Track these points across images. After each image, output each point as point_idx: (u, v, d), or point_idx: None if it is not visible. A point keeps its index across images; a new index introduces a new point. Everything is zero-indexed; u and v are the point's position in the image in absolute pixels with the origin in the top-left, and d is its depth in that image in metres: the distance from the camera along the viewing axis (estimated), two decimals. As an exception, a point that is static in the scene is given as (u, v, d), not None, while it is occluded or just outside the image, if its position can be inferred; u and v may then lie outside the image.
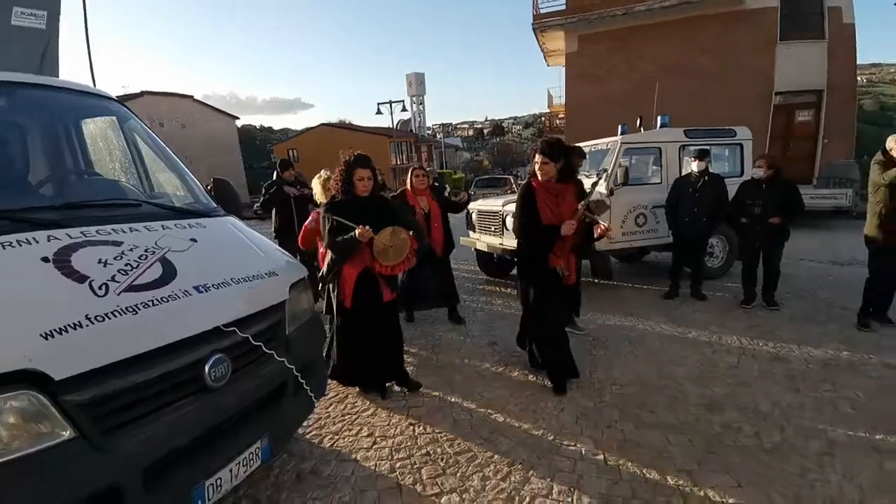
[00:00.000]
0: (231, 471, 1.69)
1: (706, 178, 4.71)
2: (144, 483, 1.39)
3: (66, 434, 1.26)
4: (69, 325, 1.32)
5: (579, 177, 5.48)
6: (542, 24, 13.30)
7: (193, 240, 1.91)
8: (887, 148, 3.79)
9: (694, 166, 4.73)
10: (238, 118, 38.36)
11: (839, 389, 2.97)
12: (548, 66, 17.76)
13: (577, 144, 6.07)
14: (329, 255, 3.03)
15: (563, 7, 13.19)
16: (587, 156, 5.77)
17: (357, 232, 2.70)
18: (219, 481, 1.64)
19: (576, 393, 3.05)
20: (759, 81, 11.99)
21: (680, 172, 5.47)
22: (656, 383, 3.15)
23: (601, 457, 2.37)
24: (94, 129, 2.70)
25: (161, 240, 1.79)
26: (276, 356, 1.89)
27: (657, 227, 5.56)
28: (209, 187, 2.90)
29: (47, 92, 2.27)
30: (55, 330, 1.29)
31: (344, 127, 42.61)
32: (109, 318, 1.40)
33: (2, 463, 1.14)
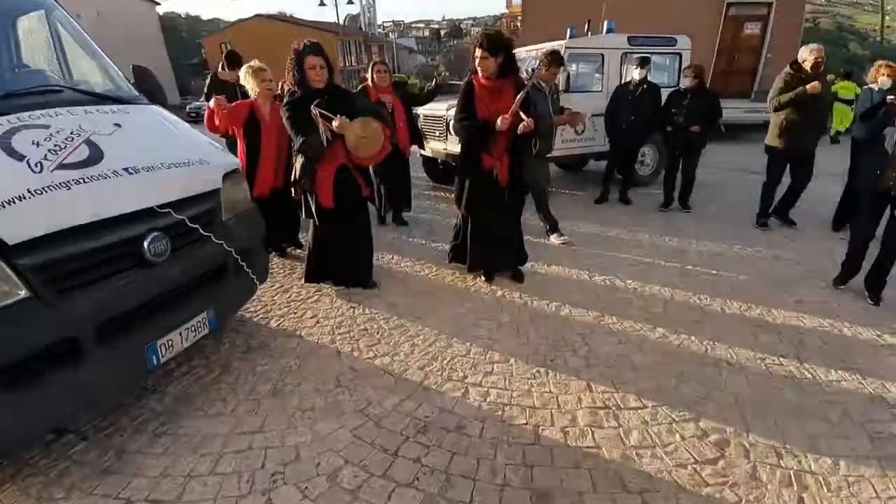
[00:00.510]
0: (181, 335, 1.92)
1: (645, 86, 4.89)
2: (99, 338, 1.59)
3: (22, 293, 1.41)
4: (15, 198, 1.42)
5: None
6: None
7: (117, 125, 1.95)
8: (799, 59, 4.06)
9: (635, 74, 4.86)
10: (158, 3, 33.65)
11: (722, 274, 3.51)
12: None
13: (522, 48, 6.03)
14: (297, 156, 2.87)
15: None
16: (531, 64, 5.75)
17: (335, 124, 2.60)
18: (170, 342, 1.87)
19: (502, 279, 3.42)
20: (709, -12, 11.82)
21: (621, 80, 5.61)
22: (571, 274, 3.58)
23: (514, 327, 2.78)
24: (27, 24, 2.50)
25: (84, 123, 1.81)
26: (213, 238, 2.05)
27: (595, 136, 5.80)
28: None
29: None
30: (4, 202, 1.39)
31: (284, 20, 38.49)
32: (46, 192, 1.50)
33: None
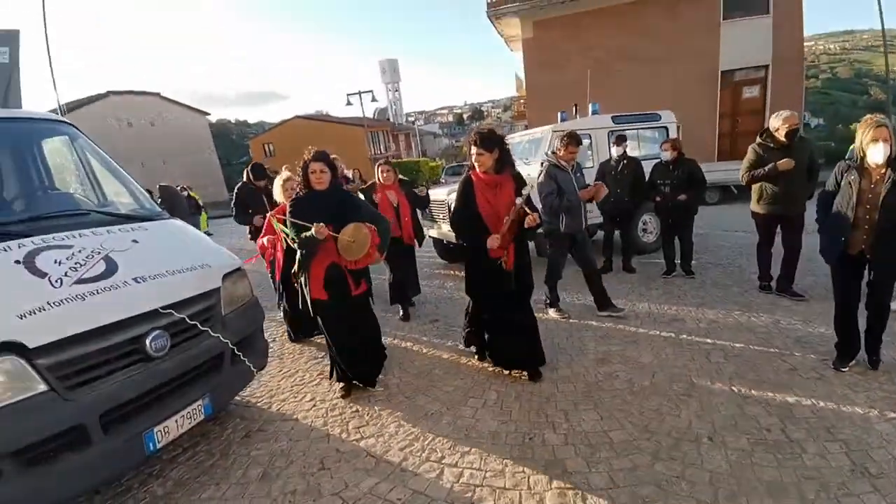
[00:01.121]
0: (177, 422, 2.13)
1: (625, 160, 5.20)
2: (104, 426, 1.83)
3: (41, 388, 1.69)
4: (35, 310, 1.74)
5: (519, 164, 5.93)
6: (495, 11, 13.63)
7: (135, 241, 2.33)
8: (771, 128, 4.04)
9: (613, 151, 5.23)
10: (209, 114, 37.89)
11: (717, 343, 3.49)
12: (511, 51, 18.07)
13: (509, 135, 6.55)
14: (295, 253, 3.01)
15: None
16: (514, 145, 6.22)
17: (313, 230, 2.74)
18: (166, 429, 2.08)
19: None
20: (704, 61, 12.49)
21: (610, 156, 5.96)
22: (564, 343, 3.65)
23: (500, 404, 2.86)
24: (52, 147, 3.06)
25: (105, 242, 2.20)
26: (211, 332, 2.32)
27: (590, 207, 6.03)
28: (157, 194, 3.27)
29: (10, 123, 2.65)
30: (26, 313, 1.71)
31: (319, 119, 42.34)
32: (64, 304, 1.82)
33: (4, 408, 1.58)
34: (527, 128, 10.83)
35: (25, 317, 1.72)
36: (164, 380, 2.09)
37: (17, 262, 1.92)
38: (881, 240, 2.65)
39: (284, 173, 3.82)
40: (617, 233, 5.76)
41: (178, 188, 11.63)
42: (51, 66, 8.81)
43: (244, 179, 5.03)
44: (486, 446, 2.44)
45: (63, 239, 2.12)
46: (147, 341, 2.02)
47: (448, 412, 2.81)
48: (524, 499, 2.04)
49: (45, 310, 1.77)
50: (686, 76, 12.49)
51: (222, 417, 2.93)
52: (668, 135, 6.57)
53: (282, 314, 4.35)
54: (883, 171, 2.63)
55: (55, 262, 1.97)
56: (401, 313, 4.69)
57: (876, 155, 2.60)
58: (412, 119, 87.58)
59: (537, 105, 13.61)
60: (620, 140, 5.21)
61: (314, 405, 3.05)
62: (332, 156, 3.17)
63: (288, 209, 3.00)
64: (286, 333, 4.34)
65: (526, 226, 2.88)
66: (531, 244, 6.04)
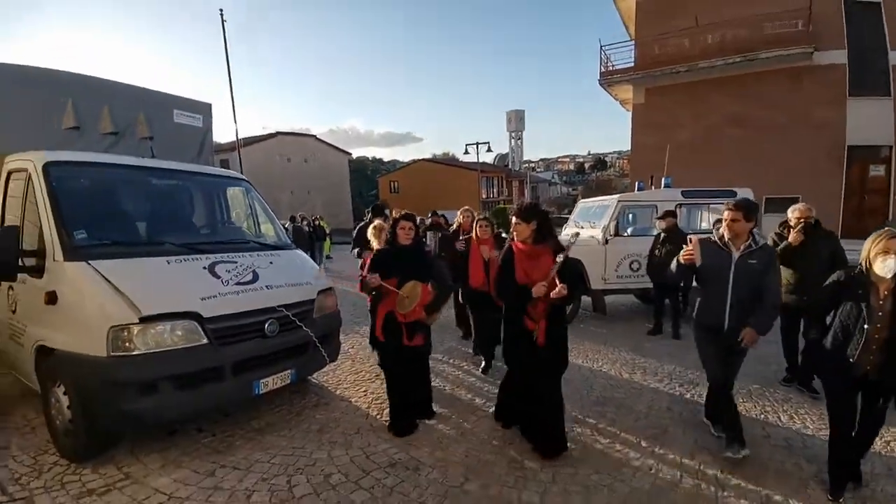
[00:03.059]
0: (273, 379, 3.34)
1: (669, 233, 5.63)
2: (232, 370, 3.10)
3: (204, 341, 3.00)
4: (211, 296, 3.10)
5: (586, 227, 6.62)
6: (609, 80, 14.38)
7: (271, 262, 3.70)
8: (789, 219, 4.09)
9: (657, 224, 5.69)
10: (350, 154, 43.57)
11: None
12: (626, 110, 18.46)
13: (582, 201, 7.27)
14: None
15: (632, 64, 14.14)
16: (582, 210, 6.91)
17: (368, 278, 3.25)
18: (267, 382, 3.30)
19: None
20: (828, 135, 11.73)
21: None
22: (576, 388, 4.27)
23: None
24: (232, 194, 4.72)
25: (255, 260, 3.58)
26: (304, 327, 3.55)
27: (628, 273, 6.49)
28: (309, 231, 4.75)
29: (208, 177, 4.32)
30: (206, 297, 3.07)
31: (440, 162, 45.93)
32: (227, 295, 3.16)
33: (183, 349, 2.91)
34: (630, 186, 11.20)
35: (205, 299, 3.07)
36: (271, 351, 3.33)
37: (204, 267, 3.34)
38: (890, 360, 2.40)
39: (378, 223, 4.33)
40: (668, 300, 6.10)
41: (313, 217, 14.13)
42: (233, 108, 11.74)
43: (365, 220, 5.64)
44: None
45: (231, 257, 3.54)
46: (266, 325, 3.29)
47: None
48: None
49: (216, 297, 3.11)
50: (807, 148, 11.87)
51: (302, 389, 4.15)
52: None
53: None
54: (892, 285, 2.41)
55: (226, 270, 3.36)
56: (482, 364, 4.74)
57: (885, 270, 2.36)
58: (532, 166, 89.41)
59: (639, 166, 13.87)
60: (665, 215, 5.67)
61: (365, 394, 4.13)
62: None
63: (371, 257, 3.56)
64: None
65: (552, 296, 2.81)
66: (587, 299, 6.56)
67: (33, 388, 3.33)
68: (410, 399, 3.49)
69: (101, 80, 4.34)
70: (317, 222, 13.53)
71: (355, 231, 5.67)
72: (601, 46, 14.65)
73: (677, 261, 3.05)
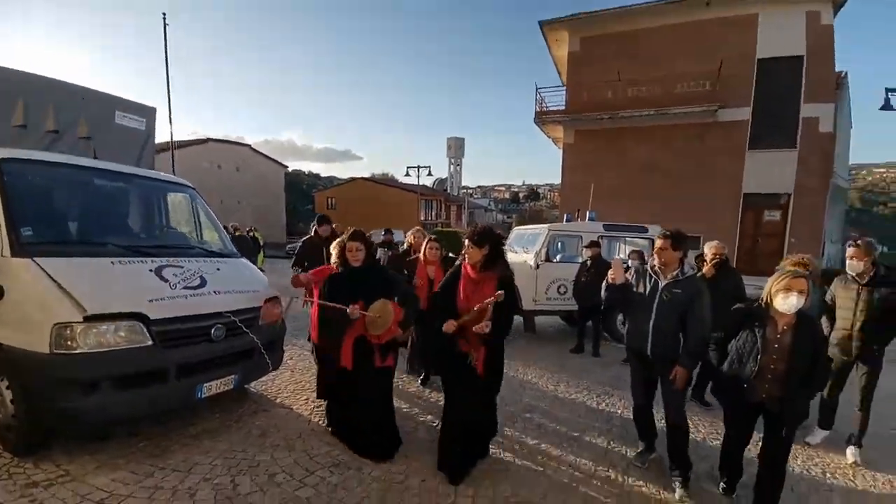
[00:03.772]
0: (216, 384, 3.36)
1: (593, 261, 6.29)
2: (176, 373, 3.10)
3: (149, 343, 3.00)
4: (158, 299, 3.11)
5: (517, 251, 7.15)
6: (543, 119, 15.60)
7: (218, 269, 3.74)
8: (705, 254, 4.86)
9: (584, 253, 6.36)
10: (287, 167, 42.43)
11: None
12: (557, 147, 19.89)
13: (517, 228, 7.84)
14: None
15: (563, 107, 15.45)
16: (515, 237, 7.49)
17: (347, 311, 3.08)
18: (209, 387, 3.32)
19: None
20: (727, 183, 13.53)
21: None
22: (508, 398, 4.61)
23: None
24: (174, 199, 4.67)
25: (201, 266, 3.61)
26: (250, 333, 3.61)
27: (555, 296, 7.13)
28: (233, 236, 4.77)
29: (152, 182, 4.29)
30: (153, 300, 3.08)
31: (380, 182, 46.03)
32: (174, 298, 3.18)
33: (127, 349, 2.90)
34: (559, 217, 12.05)
35: (152, 301, 3.08)
36: (216, 355, 3.36)
37: (151, 270, 3.33)
38: (790, 391, 2.53)
39: (343, 237, 3.80)
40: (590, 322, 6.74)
41: (247, 229, 13.71)
42: (169, 108, 11.27)
43: (311, 234, 5.50)
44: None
45: (178, 261, 3.55)
46: (212, 330, 3.33)
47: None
48: None
49: (163, 300, 3.13)
50: (710, 194, 13.54)
51: (240, 398, 4.14)
52: (653, 246, 7.59)
53: (311, 352, 4.62)
54: (792, 320, 2.54)
55: (173, 274, 3.37)
56: (421, 376, 4.83)
57: (787, 306, 2.50)
58: (469, 192, 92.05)
59: (568, 199, 15.00)
60: (591, 245, 6.36)
61: (306, 402, 4.20)
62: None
63: (325, 286, 3.32)
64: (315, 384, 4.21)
65: (475, 329, 2.83)
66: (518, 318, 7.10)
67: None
68: (378, 427, 3.30)
69: (48, 80, 4.22)
70: (251, 233, 13.15)
71: (299, 245, 5.49)
72: (537, 88, 15.91)
73: (606, 281, 3.18)
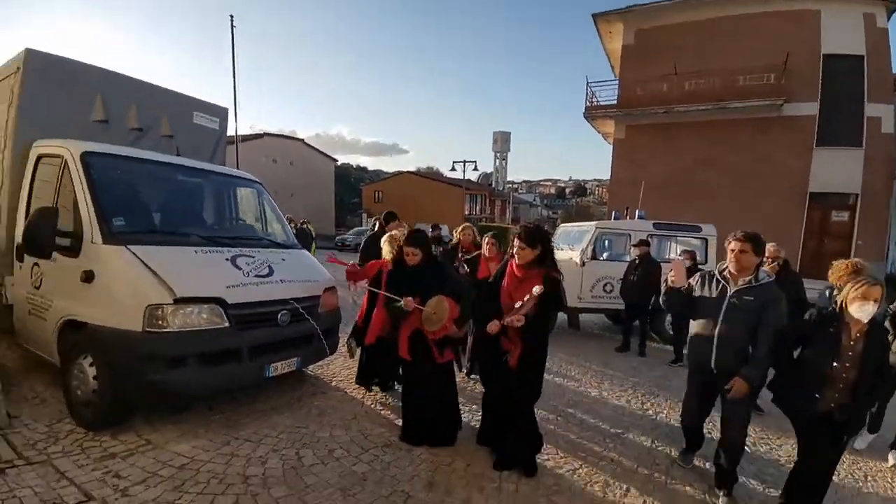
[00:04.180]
0: (281, 364, 3.67)
1: (642, 260, 6.22)
2: (248, 353, 3.43)
3: (227, 324, 3.33)
4: (234, 285, 3.44)
5: (557, 249, 7.21)
6: (593, 114, 15.28)
7: (283, 259, 4.05)
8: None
9: (632, 251, 6.29)
10: (336, 160, 43.80)
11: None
12: (608, 143, 19.41)
13: (564, 225, 7.84)
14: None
15: (615, 102, 15.06)
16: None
17: (403, 303, 3.19)
18: (276, 367, 3.63)
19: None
20: (792, 181, 12.77)
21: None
22: (551, 392, 4.71)
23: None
24: (242, 194, 5.05)
25: (269, 256, 3.94)
26: (310, 320, 3.90)
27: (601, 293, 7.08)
28: (295, 231, 5.10)
29: (225, 177, 4.69)
30: (230, 286, 3.41)
31: (426, 176, 46.55)
32: (248, 285, 3.51)
33: (208, 329, 3.23)
34: (607, 215, 11.88)
35: (229, 287, 3.41)
36: (281, 338, 3.68)
37: (227, 259, 3.68)
38: (858, 399, 2.47)
39: (396, 232, 4.09)
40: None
41: (301, 221, 14.37)
42: (235, 108, 12.06)
43: (374, 229, 5.40)
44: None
45: (249, 252, 3.89)
46: (279, 315, 3.63)
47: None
48: None
49: (238, 286, 3.45)
50: (772, 191, 12.87)
51: (301, 379, 4.48)
52: (706, 246, 7.40)
53: (348, 340, 4.63)
54: (865, 327, 2.47)
55: (246, 263, 3.71)
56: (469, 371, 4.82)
57: (863, 314, 2.43)
58: (515, 186, 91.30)
59: (617, 196, 14.66)
60: (640, 244, 6.27)
61: (358, 388, 4.47)
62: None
63: (385, 280, 3.56)
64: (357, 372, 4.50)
65: (506, 322, 2.81)
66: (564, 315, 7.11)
67: (50, 360, 3.58)
68: (442, 417, 3.38)
69: (130, 79, 4.67)
70: (304, 225, 13.78)
71: (364, 242, 5.27)
72: (588, 83, 15.59)
73: (665, 284, 2.97)
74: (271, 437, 3.31)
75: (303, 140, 39.91)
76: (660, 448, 3.64)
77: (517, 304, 2.84)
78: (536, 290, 2.76)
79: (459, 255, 5.18)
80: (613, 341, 7.00)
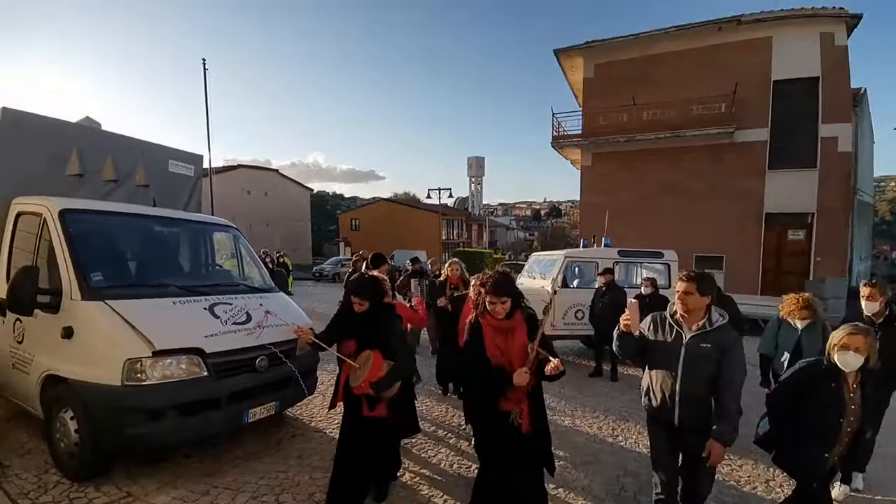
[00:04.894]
0: (260, 409, 3.75)
1: (607, 287, 6.54)
2: (228, 401, 3.51)
3: (206, 374, 3.41)
4: (212, 334, 3.54)
5: (529, 278, 7.46)
6: (559, 143, 15.97)
7: (261, 304, 4.17)
8: None
9: (598, 279, 6.61)
10: (312, 190, 43.84)
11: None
12: (576, 169, 20.15)
13: (535, 254, 8.14)
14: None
15: (580, 131, 15.79)
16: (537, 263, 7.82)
17: (300, 338, 3.39)
18: (255, 412, 3.70)
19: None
20: (748, 203, 13.57)
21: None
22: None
23: None
24: (218, 238, 5.16)
25: (247, 302, 4.05)
26: (288, 364, 4.00)
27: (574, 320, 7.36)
28: (272, 265, 5.22)
29: (201, 225, 4.80)
30: (208, 335, 3.51)
31: (402, 202, 46.96)
32: (227, 334, 3.61)
33: (187, 380, 3.31)
34: (580, 239, 12.23)
35: (207, 337, 3.51)
36: (259, 383, 3.76)
37: (205, 308, 3.78)
38: (854, 449, 2.45)
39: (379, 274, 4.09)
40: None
41: (277, 253, 14.39)
42: (208, 139, 12.20)
43: (355, 268, 5.85)
44: None
45: (227, 299, 4.00)
46: (257, 360, 3.73)
47: None
48: None
49: (216, 335, 3.56)
50: (729, 214, 13.61)
51: (279, 423, 4.53)
52: (669, 271, 7.79)
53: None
54: (858, 377, 2.41)
55: (223, 311, 3.81)
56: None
57: (846, 363, 2.36)
58: (490, 210, 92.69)
59: (588, 221, 15.21)
60: (605, 272, 6.61)
61: (337, 426, 4.47)
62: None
63: (333, 316, 3.44)
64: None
65: (547, 373, 2.42)
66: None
67: (34, 413, 3.60)
68: (359, 474, 3.07)
69: (104, 132, 4.85)
70: (281, 258, 13.81)
71: (346, 283, 5.31)
72: (553, 113, 16.33)
73: (618, 330, 2.74)
74: (251, 484, 3.37)
75: (277, 170, 39.95)
76: (628, 475, 3.83)
77: (526, 368, 2.42)
78: (538, 343, 2.45)
79: (448, 291, 5.09)
80: (587, 367, 7.23)
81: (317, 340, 3.25)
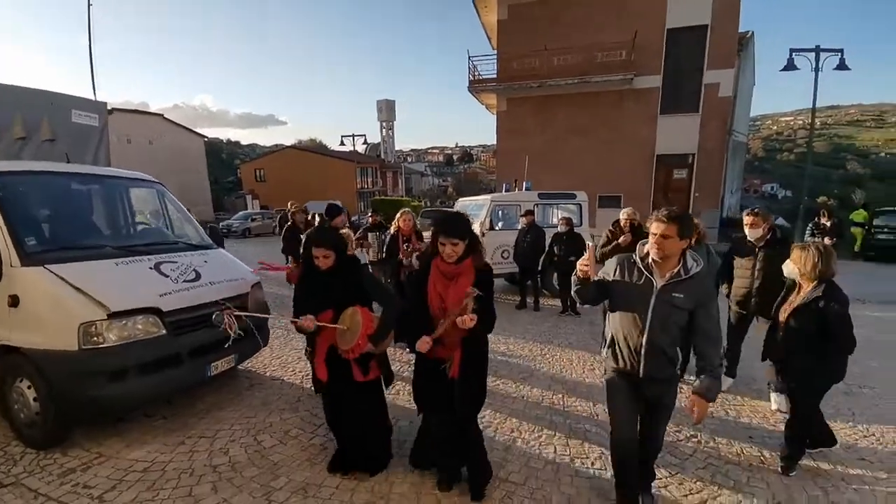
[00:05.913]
0: (221, 363, 3.83)
1: (529, 228, 7.20)
2: (189, 356, 3.54)
3: (164, 332, 3.40)
4: (166, 293, 3.49)
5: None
6: (476, 87, 16.17)
7: (205, 261, 4.10)
8: (620, 220, 5.57)
9: (521, 221, 7.24)
10: (206, 137, 39.73)
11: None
12: (491, 114, 20.59)
13: (461, 199, 8.55)
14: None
15: (495, 76, 16.06)
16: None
17: (300, 322, 2.66)
18: (216, 366, 3.77)
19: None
20: (643, 146, 15.10)
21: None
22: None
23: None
24: (146, 195, 4.84)
25: (192, 260, 3.97)
26: (243, 317, 4.06)
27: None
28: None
29: (125, 180, 4.50)
30: (163, 293, 3.46)
31: (312, 150, 44.52)
32: (177, 292, 3.57)
33: (146, 339, 3.29)
34: (497, 184, 12.85)
35: (162, 296, 3.46)
36: (217, 339, 3.81)
37: (150, 268, 3.67)
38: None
39: (347, 230, 4.30)
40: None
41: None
42: (93, 78, 10.60)
43: (291, 219, 6.05)
44: (396, 397, 4.19)
45: (170, 257, 3.89)
46: (212, 317, 3.75)
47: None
48: None
49: (170, 293, 3.51)
50: (630, 155, 15.05)
51: (235, 376, 4.61)
52: (581, 210, 8.65)
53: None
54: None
55: (171, 269, 3.72)
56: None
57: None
58: (403, 155, 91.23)
59: (505, 166, 15.89)
60: (527, 213, 7.24)
61: (294, 373, 4.76)
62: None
63: (296, 290, 2.98)
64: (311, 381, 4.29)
65: (459, 324, 2.33)
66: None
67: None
68: (365, 442, 2.94)
69: (11, 87, 4.26)
70: (189, 215, 12.86)
71: (283, 236, 5.65)
72: (469, 57, 16.33)
73: (576, 276, 2.42)
74: (224, 431, 3.53)
75: (161, 115, 35.34)
76: (557, 382, 4.56)
77: (451, 311, 2.40)
78: (472, 291, 2.38)
79: (403, 246, 4.75)
80: (513, 301, 8.00)
81: (324, 324, 2.73)
